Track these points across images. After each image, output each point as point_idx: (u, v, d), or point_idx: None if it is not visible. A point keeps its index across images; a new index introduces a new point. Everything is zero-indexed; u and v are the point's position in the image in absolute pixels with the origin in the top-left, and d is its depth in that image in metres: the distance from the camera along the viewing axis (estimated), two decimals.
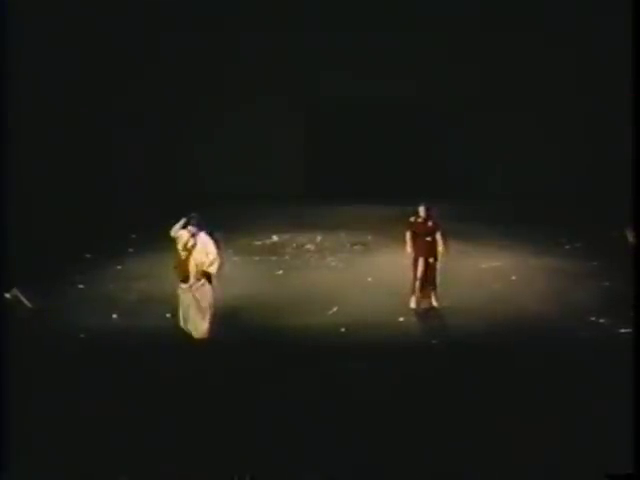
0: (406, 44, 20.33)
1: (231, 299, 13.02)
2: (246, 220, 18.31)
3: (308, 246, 17.02)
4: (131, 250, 16.65)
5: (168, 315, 12.45)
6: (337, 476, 8.23)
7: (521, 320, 12.49)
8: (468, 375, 10.42)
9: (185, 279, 11.69)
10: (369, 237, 17.39)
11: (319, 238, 17.50)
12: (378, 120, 21.17)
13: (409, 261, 13.11)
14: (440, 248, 13.01)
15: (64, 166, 18.95)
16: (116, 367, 10.78)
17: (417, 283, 13.03)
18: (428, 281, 13.04)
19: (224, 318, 12.13)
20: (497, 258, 15.69)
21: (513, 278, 14.62)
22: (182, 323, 11.90)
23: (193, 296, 11.70)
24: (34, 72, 18.42)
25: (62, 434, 9.02)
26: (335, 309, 13.15)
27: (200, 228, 11.69)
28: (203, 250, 11.60)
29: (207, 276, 11.73)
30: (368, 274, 14.93)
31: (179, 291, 11.86)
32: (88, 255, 16.23)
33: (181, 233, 11.75)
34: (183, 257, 11.66)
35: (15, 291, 12.82)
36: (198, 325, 11.79)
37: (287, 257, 16.35)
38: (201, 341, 11.73)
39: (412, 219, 13.06)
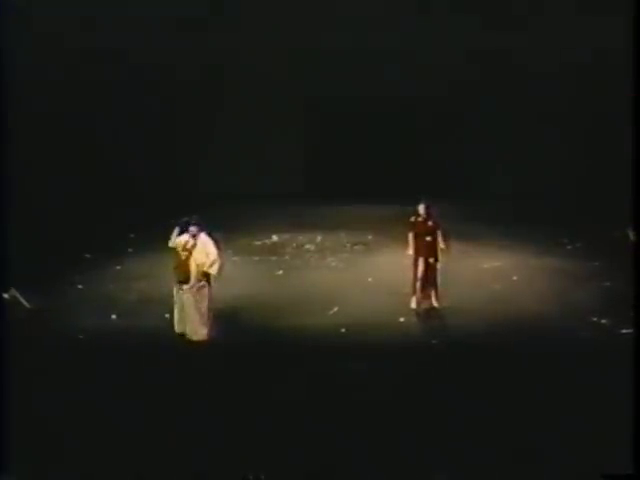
0: (406, 44, 20.24)
1: (231, 299, 13.00)
2: (246, 220, 18.26)
3: (308, 246, 16.99)
4: (130, 250, 16.61)
5: (167, 315, 12.40)
6: (337, 476, 8.24)
7: (522, 320, 12.47)
8: (468, 375, 10.41)
9: (186, 280, 11.63)
10: (369, 237, 17.35)
11: (319, 238, 17.47)
12: (378, 120, 21.10)
13: (410, 261, 13.08)
14: (442, 245, 13.00)
15: (63, 166, 18.89)
16: (115, 368, 10.76)
17: (417, 283, 13.02)
18: (428, 281, 13.03)
19: (224, 318, 12.12)
20: (498, 258, 15.66)
21: (514, 278, 14.60)
22: (176, 326, 11.82)
23: (193, 297, 11.64)
24: (34, 72, 18.37)
25: (61, 435, 9.02)
26: (335, 309, 13.14)
27: (200, 229, 11.64)
28: (203, 250, 11.58)
29: (207, 277, 11.69)
30: (368, 274, 14.91)
31: (177, 292, 11.78)
32: (87, 255, 16.20)
33: (183, 237, 11.70)
34: (183, 258, 11.63)
35: (13, 291, 12.86)
36: (197, 328, 11.74)
37: (287, 257, 16.32)
38: (198, 344, 11.67)
39: (412, 219, 13.04)
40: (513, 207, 19.19)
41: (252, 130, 21.12)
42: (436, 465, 8.41)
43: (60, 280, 14.54)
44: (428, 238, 12.90)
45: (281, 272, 15.28)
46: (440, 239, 12.98)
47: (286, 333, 12.11)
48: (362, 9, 20.26)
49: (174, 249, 11.86)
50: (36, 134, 18.51)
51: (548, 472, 8.25)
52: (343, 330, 12.26)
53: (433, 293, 13.12)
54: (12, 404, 8.87)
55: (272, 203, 19.55)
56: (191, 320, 11.73)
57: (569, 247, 16.46)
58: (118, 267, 15.60)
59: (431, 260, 12.96)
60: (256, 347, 11.58)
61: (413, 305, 13.09)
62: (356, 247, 16.86)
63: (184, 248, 11.64)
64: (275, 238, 17.54)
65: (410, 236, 12.97)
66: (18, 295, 12.89)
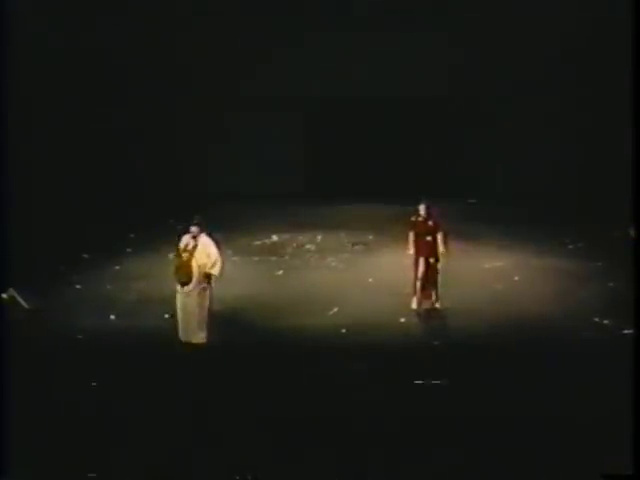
0: (406, 44, 20.22)
1: (231, 300, 12.95)
2: (246, 220, 18.21)
3: (308, 246, 16.93)
4: (129, 250, 16.54)
5: (167, 316, 12.38)
6: (338, 477, 8.24)
7: (523, 321, 12.43)
8: (470, 376, 10.38)
9: (187, 281, 11.55)
10: (370, 237, 17.29)
11: (319, 238, 17.41)
12: (378, 119, 21.07)
13: (410, 261, 13.03)
14: (441, 248, 12.94)
15: (62, 165, 18.87)
16: (115, 368, 10.73)
17: (418, 283, 12.98)
18: (429, 281, 12.99)
19: (224, 319, 12.07)
20: (499, 258, 15.60)
21: (515, 278, 14.54)
22: (181, 333, 11.70)
23: (195, 300, 11.56)
24: (34, 72, 18.33)
25: (60, 435, 9.01)
26: (335, 310, 13.11)
27: (201, 229, 11.58)
28: (204, 251, 11.52)
29: (208, 278, 11.63)
30: (369, 274, 14.86)
31: (179, 295, 11.69)
32: (86, 255, 16.14)
33: (183, 239, 11.63)
34: (185, 259, 11.53)
35: (12, 291, 12.79)
36: (198, 330, 11.66)
37: (287, 257, 16.27)
38: (199, 346, 11.61)
39: (413, 218, 13.01)
40: (514, 207, 19.08)
41: (252, 130, 21.08)
42: (437, 465, 8.39)
43: (58, 280, 14.50)
44: (428, 238, 12.87)
45: (281, 272, 15.24)
46: (440, 241, 12.91)
47: (286, 333, 12.07)
48: (362, 9, 20.23)
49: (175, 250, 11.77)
50: (35, 134, 18.47)
51: (548, 472, 8.25)
52: (343, 330, 12.23)
53: (434, 293, 13.08)
54: (11, 405, 8.85)
55: (272, 203, 19.52)
56: (193, 323, 11.62)
57: (571, 247, 16.40)
58: (117, 267, 15.54)
59: (432, 260, 12.92)
60: (256, 348, 11.55)
61: (414, 305, 13.05)
62: (356, 247, 16.80)
63: (185, 249, 11.56)
64: (275, 238, 17.48)
65: (410, 235, 12.95)
66: (16, 295, 12.83)
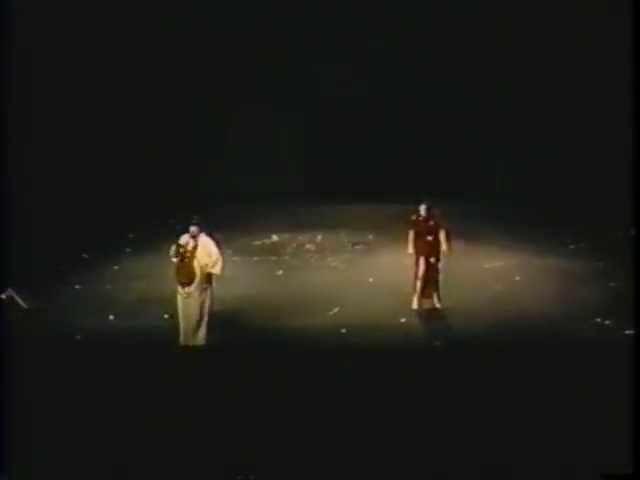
0: (407, 43, 20.26)
1: (230, 300, 12.90)
2: (246, 220, 18.21)
3: (308, 246, 16.91)
4: (129, 250, 16.52)
5: (166, 316, 12.35)
6: (338, 477, 8.23)
7: (525, 321, 12.39)
8: (471, 377, 10.32)
9: (189, 282, 11.48)
10: (370, 237, 17.27)
11: (319, 238, 17.39)
12: (379, 119, 21.08)
13: (411, 261, 12.99)
14: (443, 247, 12.91)
15: (61, 165, 18.89)
16: (114, 369, 10.66)
17: (419, 283, 12.94)
18: (430, 281, 12.95)
19: (223, 319, 12.02)
20: (500, 258, 15.57)
21: (516, 278, 14.50)
22: (183, 338, 11.63)
23: (197, 300, 11.51)
24: (34, 71, 18.36)
25: (59, 436, 8.98)
26: (336, 310, 13.07)
27: (200, 229, 11.52)
28: (205, 251, 11.47)
29: (209, 278, 11.58)
30: (369, 274, 14.82)
31: (179, 297, 11.62)
32: (85, 255, 16.10)
33: (182, 238, 11.56)
34: (186, 260, 11.47)
35: (10, 291, 12.74)
36: (198, 331, 11.61)
37: (287, 257, 16.24)
38: (200, 347, 11.57)
39: (414, 217, 12.97)
40: (516, 206, 19.13)
41: (252, 129, 21.07)
42: (437, 466, 8.39)
43: (57, 280, 14.47)
44: (429, 237, 12.83)
45: (281, 272, 15.20)
46: (442, 240, 12.89)
47: (286, 334, 12.04)
48: (363, 9, 20.20)
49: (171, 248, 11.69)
50: (35, 134, 18.47)
51: (549, 472, 8.24)
52: (344, 331, 12.20)
53: (435, 293, 13.04)
54: (10, 405, 8.86)
55: (272, 203, 19.53)
56: (193, 323, 11.56)
57: (572, 247, 16.37)
58: (116, 267, 15.50)
59: (432, 260, 12.88)
60: (256, 348, 11.53)
61: (414, 306, 13.02)
62: (357, 247, 16.78)
63: (185, 250, 11.50)
64: (275, 238, 17.46)
65: (410, 234, 12.91)
66: (15, 295, 12.77)
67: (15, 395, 9.08)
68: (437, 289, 13.02)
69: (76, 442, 8.87)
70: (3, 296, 12.59)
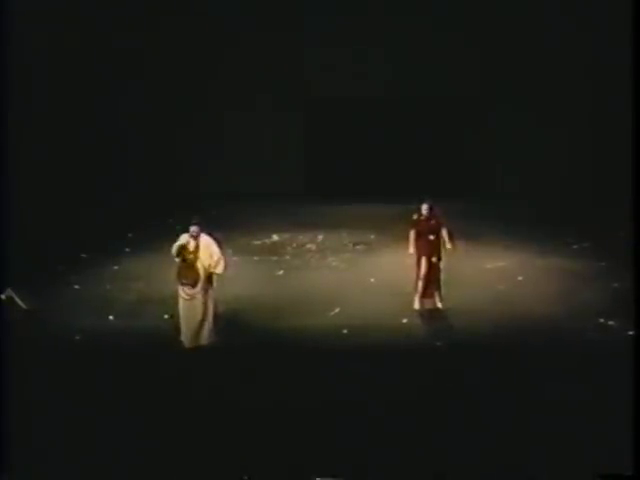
0: (407, 43, 20.24)
1: (231, 300, 12.83)
2: (246, 219, 18.20)
3: (309, 246, 16.87)
4: (128, 250, 16.48)
5: (166, 316, 12.30)
6: (338, 478, 8.19)
7: (527, 322, 12.34)
8: (472, 377, 10.31)
9: (193, 284, 11.40)
10: (371, 236, 17.23)
11: (320, 237, 17.35)
12: (379, 119, 21.07)
13: (412, 261, 12.95)
14: (447, 245, 12.88)
15: (61, 165, 18.89)
16: (113, 370, 10.66)
17: (420, 283, 12.89)
18: (432, 281, 12.91)
19: (224, 319, 11.98)
20: (502, 258, 15.52)
21: (519, 279, 14.46)
22: (185, 338, 11.56)
23: (201, 301, 11.44)
24: (34, 71, 18.42)
25: (58, 436, 8.99)
26: (337, 310, 13.03)
27: (201, 229, 11.46)
28: (207, 251, 11.43)
29: (210, 278, 11.53)
30: (370, 274, 14.78)
31: (181, 299, 11.54)
32: (84, 255, 16.05)
33: (182, 238, 11.48)
34: (190, 261, 11.40)
35: (9, 291, 12.72)
36: (203, 332, 11.56)
37: (287, 257, 16.21)
38: (200, 347, 11.53)
39: (415, 217, 12.92)
40: (518, 206, 19.12)
41: (252, 129, 21.05)
42: (438, 466, 8.38)
43: (57, 280, 14.43)
44: (431, 237, 12.78)
45: (281, 272, 15.16)
46: (446, 238, 12.85)
47: (286, 334, 12.00)
48: (363, 9, 20.19)
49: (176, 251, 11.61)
50: (34, 133, 18.50)
51: (549, 472, 8.24)
52: (345, 331, 12.15)
53: (437, 293, 12.99)
54: (10, 405, 8.86)
55: (272, 202, 19.50)
56: (197, 325, 11.49)
57: (575, 247, 16.31)
58: (116, 267, 15.45)
59: (434, 259, 12.84)
60: (256, 348, 11.48)
61: (416, 306, 12.97)
62: (358, 247, 16.73)
63: (187, 251, 11.41)
64: (275, 238, 17.43)
65: (411, 234, 12.86)
66: (14, 295, 12.73)
67: (15, 395, 9.07)
68: (439, 288, 12.96)
69: (76, 442, 8.87)
70: (3, 296, 12.57)
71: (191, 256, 11.39)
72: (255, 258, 16.04)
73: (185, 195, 19.50)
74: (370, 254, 16.23)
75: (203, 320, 11.51)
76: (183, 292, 11.49)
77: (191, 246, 11.41)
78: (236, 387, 10.16)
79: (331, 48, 20.36)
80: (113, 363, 10.86)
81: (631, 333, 11.20)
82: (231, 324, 12.12)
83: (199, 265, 11.39)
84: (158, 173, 20.46)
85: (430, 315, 12.81)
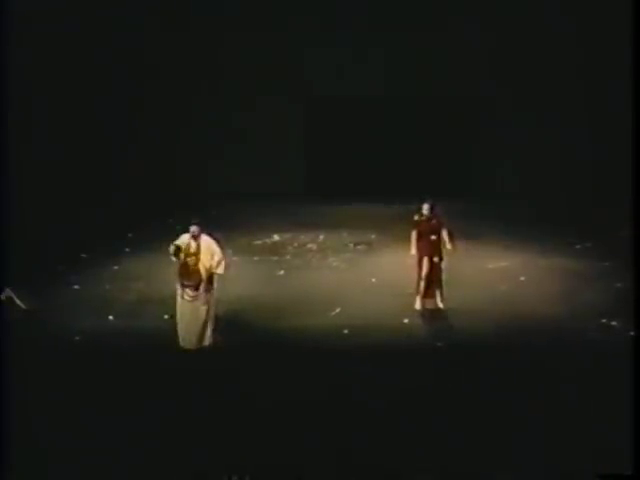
0: (407, 43, 20.25)
1: (231, 300, 12.79)
2: (246, 219, 18.17)
3: (310, 246, 16.83)
4: (128, 250, 16.43)
5: (166, 316, 12.25)
6: (339, 478, 8.22)
7: (529, 322, 12.29)
8: (474, 378, 10.30)
9: (195, 286, 11.34)
10: (372, 236, 17.19)
11: (321, 237, 17.31)
12: (380, 118, 21.06)
13: (413, 261, 12.93)
14: (448, 246, 12.85)
15: (60, 164, 18.89)
16: (113, 370, 10.64)
17: (422, 283, 12.85)
18: (433, 281, 12.87)
19: (224, 320, 11.94)
20: (504, 258, 15.48)
21: (521, 279, 14.41)
22: (185, 340, 11.50)
23: (202, 302, 11.38)
24: (34, 72, 18.43)
25: (58, 437, 8.99)
26: (338, 310, 13.00)
27: (201, 229, 11.40)
28: (208, 252, 11.38)
29: (212, 278, 11.48)
30: (372, 274, 14.73)
31: (182, 301, 11.47)
32: (84, 255, 16.00)
33: (183, 238, 11.42)
34: (192, 263, 11.33)
35: (9, 292, 12.68)
36: (203, 333, 11.49)
37: (288, 257, 16.16)
38: (201, 348, 11.49)
39: (416, 217, 12.89)
40: (520, 206, 19.09)
41: (252, 129, 21.04)
42: (439, 466, 8.37)
43: (56, 280, 14.36)
44: (433, 237, 12.75)
45: (282, 272, 15.12)
46: (446, 239, 12.81)
47: (287, 334, 11.96)
48: (363, 9, 20.20)
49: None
50: (34, 133, 18.53)
51: (549, 471, 8.24)
52: (345, 332, 12.12)
53: (438, 293, 12.94)
54: (9, 406, 8.86)
55: (273, 202, 19.48)
56: (198, 327, 11.44)
57: (578, 247, 16.27)
58: (116, 267, 15.40)
59: (435, 259, 12.80)
60: (257, 349, 11.44)
61: (417, 306, 12.93)
62: (359, 247, 16.69)
63: (188, 253, 11.35)
64: (276, 237, 17.39)
65: (413, 235, 12.84)
66: (13, 296, 12.70)
67: (14, 396, 9.07)
68: (440, 289, 12.92)
69: (76, 442, 8.86)
70: (2, 297, 12.54)
71: (193, 258, 11.33)
72: (256, 258, 16.00)
73: (185, 195, 19.46)
74: (371, 254, 16.20)
75: (206, 321, 11.46)
76: (185, 294, 11.43)
77: (192, 247, 11.35)
78: (236, 387, 10.14)
79: (331, 48, 20.35)
80: (113, 363, 10.83)
81: (632, 334, 11.18)
82: (232, 324, 12.08)
83: (200, 266, 11.33)
84: (158, 173, 20.44)
85: (431, 315, 12.77)
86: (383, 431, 9.04)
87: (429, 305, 12.91)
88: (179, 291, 11.47)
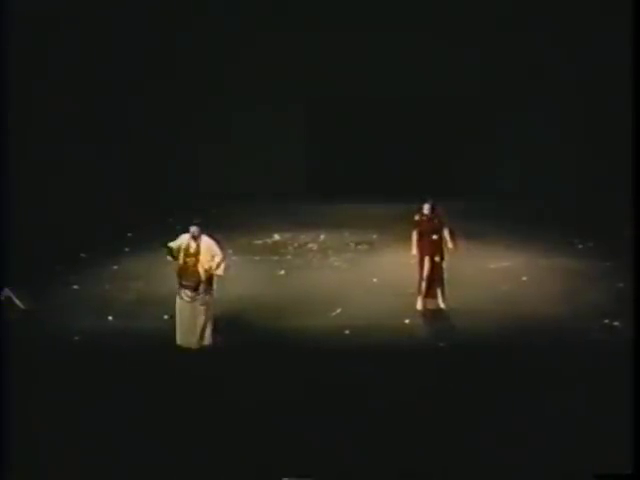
0: (408, 42, 20.23)
1: (231, 300, 12.76)
2: (246, 219, 18.15)
3: (310, 245, 16.81)
4: (128, 249, 16.41)
5: (166, 317, 12.22)
6: (340, 478, 8.22)
7: (531, 322, 12.26)
8: (475, 378, 10.27)
9: (194, 287, 11.30)
10: (374, 236, 17.17)
11: (322, 237, 17.28)
12: (380, 118, 21.04)
13: (415, 261, 12.90)
14: (450, 245, 12.81)
15: (60, 164, 18.91)
16: (112, 370, 10.62)
17: (423, 283, 12.82)
18: (435, 281, 12.84)
19: (224, 320, 11.91)
20: (506, 258, 15.45)
21: (523, 279, 14.37)
22: (183, 340, 11.47)
23: (201, 303, 11.34)
24: (34, 71, 18.41)
25: (58, 437, 8.98)
26: (339, 311, 12.97)
27: (201, 230, 11.36)
28: (208, 253, 11.34)
29: (211, 279, 11.44)
30: (373, 274, 14.70)
31: (181, 302, 11.44)
32: (83, 254, 15.98)
33: (181, 239, 11.36)
34: (191, 264, 11.30)
35: (8, 292, 12.65)
36: (203, 334, 11.46)
37: (289, 257, 16.14)
38: (201, 348, 11.47)
39: (417, 217, 12.85)
40: (522, 205, 19.07)
41: (253, 128, 21.04)
42: (439, 467, 8.37)
43: (55, 280, 14.35)
44: (434, 236, 12.72)
45: (283, 272, 15.08)
46: (448, 238, 12.77)
47: (288, 335, 11.94)
48: (363, 8, 20.20)
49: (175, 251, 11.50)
50: (34, 133, 18.52)
51: (548, 471, 8.25)
52: (347, 332, 12.10)
53: (439, 293, 12.91)
54: (8, 406, 8.87)
55: (273, 202, 19.47)
56: (199, 327, 11.41)
57: (580, 247, 16.25)
58: (115, 267, 15.38)
59: (437, 259, 12.78)
60: (257, 349, 11.43)
61: (419, 306, 12.90)
62: (360, 246, 16.66)
63: (188, 254, 11.30)
64: (277, 237, 17.38)
65: (414, 235, 12.81)
66: (12, 296, 12.67)
67: (14, 396, 9.07)
68: (442, 289, 12.88)
69: (76, 443, 8.87)
70: (1, 297, 12.52)
71: (192, 258, 11.29)
72: (256, 258, 15.98)
73: (185, 195, 19.43)
74: (372, 254, 16.17)
75: (204, 322, 11.43)
76: (184, 294, 11.39)
77: (192, 248, 11.31)
78: (237, 387, 10.12)
79: (331, 48, 20.30)
80: (112, 364, 10.80)
81: (631, 334, 11.14)
82: (232, 324, 12.05)
83: (200, 269, 11.29)
84: (158, 173, 20.42)
85: (433, 315, 12.74)
86: (384, 432, 9.01)
87: (431, 305, 12.87)
88: (179, 292, 11.44)
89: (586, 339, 11.54)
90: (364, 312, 12.79)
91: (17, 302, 12.66)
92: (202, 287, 11.32)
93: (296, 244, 16.87)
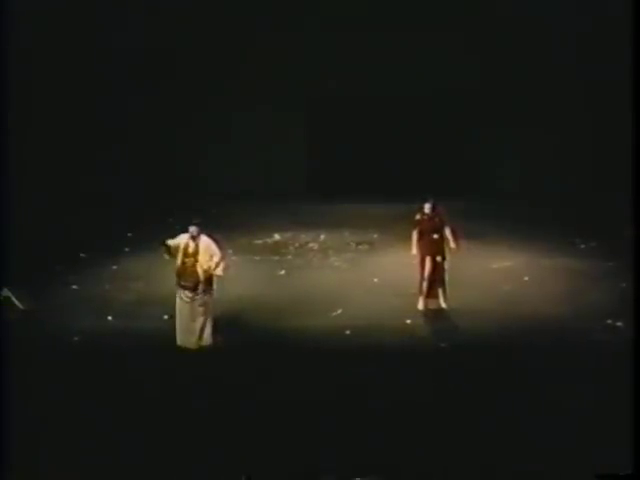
0: (408, 42, 20.23)
1: (231, 300, 12.74)
2: (246, 219, 18.13)
3: (311, 245, 16.79)
4: (127, 249, 16.39)
5: (166, 317, 12.20)
6: (340, 478, 8.18)
7: (533, 322, 12.24)
8: (477, 379, 10.27)
9: (194, 287, 11.27)
10: (374, 236, 17.16)
11: (322, 237, 17.25)
12: (380, 118, 21.05)
13: (416, 261, 12.87)
14: (452, 245, 12.78)
15: (60, 164, 18.88)
16: (112, 370, 10.62)
17: (424, 283, 12.79)
18: (436, 281, 12.81)
19: (224, 320, 11.89)
20: (508, 258, 15.42)
21: (525, 279, 14.35)
22: (183, 339, 11.44)
23: (200, 303, 11.31)
24: (34, 71, 18.51)
25: (57, 437, 8.98)
26: (339, 311, 12.94)
27: (201, 230, 11.32)
28: (207, 253, 11.31)
29: (210, 279, 11.40)
30: (374, 274, 14.67)
31: (180, 302, 11.41)
32: (83, 254, 15.96)
33: (180, 238, 11.32)
34: (189, 264, 11.27)
35: (7, 292, 12.64)
36: (202, 334, 11.43)
37: (289, 257, 16.11)
38: (201, 348, 11.45)
39: (418, 216, 12.82)
40: (524, 205, 19.04)
41: (253, 128, 21.04)
42: (440, 467, 8.36)
43: (55, 280, 14.33)
44: (435, 236, 12.69)
45: (283, 272, 15.05)
46: (450, 238, 12.74)
47: (288, 335, 11.91)
48: (363, 8, 20.22)
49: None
50: (34, 133, 18.53)
51: (548, 471, 8.24)
52: (347, 332, 12.07)
53: (441, 293, 12.88)
54: (8, 407, 8.86)
55: (273, 202, 19.46)
56: (198, 328, 11.39)
57: (582, 247, 16.24)
58: (115, 267, 15.36)
59: (438, 259, 12.75)
60: (257, 349, 11.40)
61: (420, 306, 12.87)
62: (361, 246, 16.64)
63: (186, 254, 11.26)
64: (277, 237, 17.36)
65: (414, 234, 12.78)
66: (11, 296, 12.66)
67: (13, 396, 9.06)
68: (443, 288, 12.86)
69: (75, 443, 8.86)
70: (1, 297, 12.51)
71: (190, 258, 11.27)
72: (256, 258, 15.96)
73: (185, 195, 19.42)
74: (373, 254, 16.15)
75: (204, 323, 11.41)
76: (183, 295, 11.36)
77: (190, 248, 11.28)
78: (237, 387, 10.11)
79: (331, 48, 20.31)
80: (112, 364, 10.80)
81: (632, 334, 11.12)
82: (232, 324, 12.03)
83: (199, 269, 11.26)
84: (158, 173, 20.42)
85: (434, 316, 12.71)
86: (385, 432, 9.00)
87: (432, 305, 12.84)
88: (178, 292, 11.41)
89: (588, 339, 11.51)
90: (365, 312, 12.76)
91: (16, 302, 12.65)
92: (201, 287, 11.29)
93: (296, 244, 16.85)
